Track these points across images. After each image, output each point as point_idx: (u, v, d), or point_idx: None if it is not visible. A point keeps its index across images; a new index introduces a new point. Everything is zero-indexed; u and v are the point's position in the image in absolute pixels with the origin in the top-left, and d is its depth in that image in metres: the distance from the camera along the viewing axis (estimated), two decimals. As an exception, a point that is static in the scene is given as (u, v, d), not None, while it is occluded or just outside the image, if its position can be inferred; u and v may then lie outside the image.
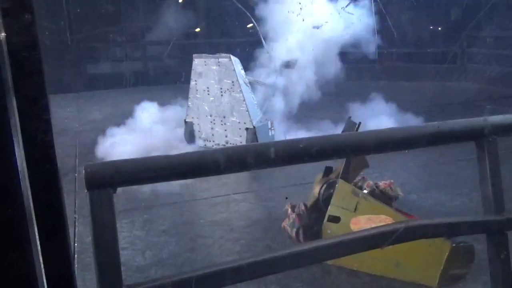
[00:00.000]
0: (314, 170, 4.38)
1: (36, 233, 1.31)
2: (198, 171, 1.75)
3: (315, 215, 3.60)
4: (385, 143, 1.96)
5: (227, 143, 6.25)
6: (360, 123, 3.47)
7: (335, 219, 3.50)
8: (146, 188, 5.22)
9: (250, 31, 11.27)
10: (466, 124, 2.11)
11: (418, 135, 2.03)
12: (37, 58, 1.07)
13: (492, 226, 2.07)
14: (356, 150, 1.94)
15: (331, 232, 3.52)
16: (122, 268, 3.76)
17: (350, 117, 3.68)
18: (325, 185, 3.68)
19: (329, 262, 3.40)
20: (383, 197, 3.62)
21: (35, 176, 1.18)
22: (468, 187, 4.84)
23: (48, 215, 1.27)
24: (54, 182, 1.28)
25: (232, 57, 5.95)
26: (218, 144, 6.33)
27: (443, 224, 1.98)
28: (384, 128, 1.96)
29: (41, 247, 1.28)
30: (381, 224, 3.40)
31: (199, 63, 6.17)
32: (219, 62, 5.98)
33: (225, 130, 6.18)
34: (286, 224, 3.61)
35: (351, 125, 3.60)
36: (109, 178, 1.62)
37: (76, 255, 3.71)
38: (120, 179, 1.64)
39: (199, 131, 6.44)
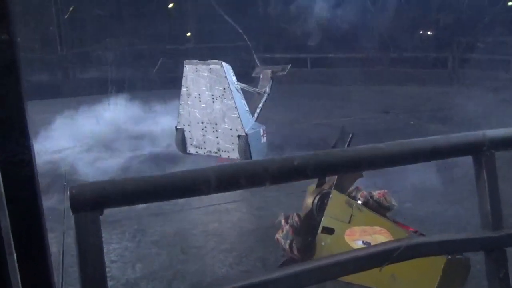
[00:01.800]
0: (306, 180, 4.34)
1: (16, 261, 1.23)
2: (189, 191, 1.69)
3: (309, 226, 3.54)
4: (382, 159, 1.92)
5: (218, 150, 6.18)
6: (352, 134, 3.42)
7: (329, 231, 3.44)
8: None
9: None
10: (463, 138, 2.07)
11: (415, 150, 1.98)
12: (12, 83, 0.99)
13: (491, 243, 2.02)
14: (352, 167, 1.89)
15: (325, 244, 3.46)
16: (112, 282, 3.68)
17: (343, 127, 3.63)
18: (318, 196, 3.62)
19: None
20: (377, 207, 3.56)
21: (14, 201, 1.11)
22: (462, 195, 4.82)
23: (28, 243, 1.19)
24: (34, 208, 1.20)
25: (224, 64, 5.88)
26: (210, 152, 6.25)
27: (442, 242, 1.93)
28: (379, 144, 1.90)
29: (20, 274, 1.21)
30: (376, 235, 3.38)
31: (190, 69, 6.09)
32: (210, 68, 5.91)
33: (217, 137, 6.11)
34: (279, 236, 3.54)
35: (344, 136, 3.54)
36: (96, 200, 1.55)
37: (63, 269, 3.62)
38: (108, 201, 1.58)
39: (190, 138, 6.36)
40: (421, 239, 1.93)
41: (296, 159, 1.75)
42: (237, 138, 5.93)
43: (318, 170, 1.80)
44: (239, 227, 4.40)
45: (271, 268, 3.63)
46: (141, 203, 1.66)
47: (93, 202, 1.54)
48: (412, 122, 8.63)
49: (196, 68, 6.03)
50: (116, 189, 1.58)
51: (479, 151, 2.04)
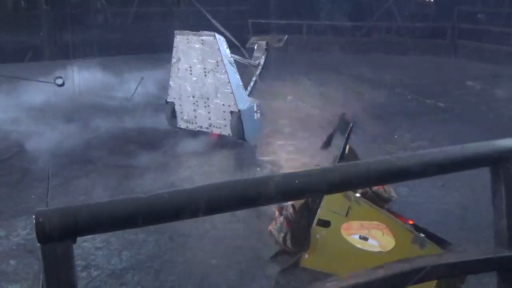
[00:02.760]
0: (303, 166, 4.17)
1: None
2: (177, 215, 1.49)
3: (304, 218, 3.37)
4: (393, 173, 1.72)
5: (210, 125, 5.95)
6: (353, 123, 3.21)
7: (325, 224, 3.28)
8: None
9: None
10: (480, 148, 1.87)
11: (428, 162, 1.78)
12: None
13: (507, 262, 1.86)
14: (361, 182, 1.69)
15: (320, 237, 3.31)
16: (97, 272, 3.51)
17: (344, 114, 3.42)
18: (315, 186, 3.44)
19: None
20: (376, 198, 3.40)
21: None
22: (460, 180, 4.67)
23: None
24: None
25: (217, 36, 5.57)
26: (201, 127, 6.02)
27: (459, 263, 1.77)
28: (390, 156, 1.70)
29: None
30: (374, 230, 3.22)
31: (181, 40, 5.77)
32: (202, 40, 5.60)
33: (209, 112, 5.87)
34: (273, 228, 3.38)
35: (343, 123, 3.33)
36: (68, 228, 1.34)
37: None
38: (82, 228, 1.37)
39: (181, 112, 6.11)
40: (433, 261, 1.75)
41: (299, 177, 1.55)
42: (230, 114, 5.69)
43: (323, 188, 1.60)
44: (230, 213, 4.21)
45: (263, 259, 3.50)
46: (120, 230, 1.45)
47: (64, 230, 1.33)
48: (409, 97, 8.42)
49: (187, 39, 5.71)
50: (91, 214, 1.37)
51: (497, 162, 1.84)
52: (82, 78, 8.38)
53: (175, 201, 1.43)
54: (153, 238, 3.81)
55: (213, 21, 5.37)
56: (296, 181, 1.54)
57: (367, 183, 1.75)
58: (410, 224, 3.30)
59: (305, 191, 1.56)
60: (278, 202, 1.50)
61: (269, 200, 1.52)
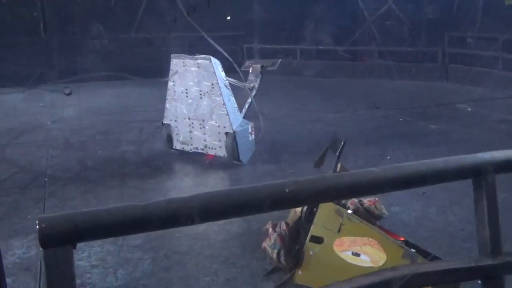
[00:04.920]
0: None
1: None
2: (171, 222, 1.56)
3: (297, 235, 3.43)
4: (378, 184, 1.80)
5: (205, 147, 6.04)
6: (344, 142, 3.31)
7: (318, 240, 3.34)
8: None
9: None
10: (462, 161, 1.97)
11: (412, 174, 1.87)
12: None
13: (490, 270, 1.93)
14: (348, 192, 1.77)
15: (313, 253, 3.36)
16: (92, 291, 3.50)
17: (335, 133, 3.52)
18: (307, 203, 3.51)
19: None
20: (367, 215, 3.47)
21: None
22: (450, 199, 4.75)
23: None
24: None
25: (213, 59, 5.71)
26: (197, 148, 6.11)
27: (444, 271, 1.84)
28: (375, 168, 1.79)
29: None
30: (365, 246, 3.29)
31: (177, 63, 5.91)
32: (198, 63, 5.74)
33: (204, 134, 5.96)
34: (266, 244, 3.43)
35: (336, 142, 3.43)
36: (68, 234, 1.42)
37: None
38: (81, 234, 1.45)
39: (177, 134, 6.20)
40: (417, 268, 1.83)
41: (288, 186, 1.63)
42: (225, 135, 5.78)
43: (312, 196, 1.68)
44: (224, 230, 4.27)
45: (257, 276, 3.54)
46: (118, 236, 1.52)
47: (65, 236, 1.41)
48: (401, 119, 8.56)
49: (184, 62, 5.85)
50: (91, 221, 1.45)
51: (479, 174, 1.93)
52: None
53: (171, 208, 1.50)
54: (149, 256, 3.85)
55: (212, 43, 5.51)
56: (286, 190, 1.63)
57: (353, 193, 1.83)
58: (401, 240, 3.37)
59: (295, 199, 1.64)
60: (269, 211, 1.58)
61: (260, 208, 1.60)
